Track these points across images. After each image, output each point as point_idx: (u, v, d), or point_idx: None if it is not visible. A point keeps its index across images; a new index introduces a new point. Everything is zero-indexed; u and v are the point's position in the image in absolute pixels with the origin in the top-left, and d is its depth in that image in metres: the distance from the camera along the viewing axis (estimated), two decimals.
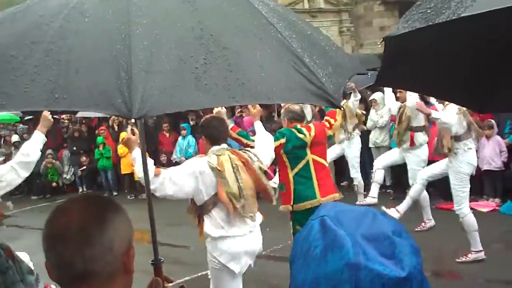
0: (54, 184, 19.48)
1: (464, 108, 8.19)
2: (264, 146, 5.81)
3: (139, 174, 4.92)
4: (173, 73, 1.98)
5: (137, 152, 5.04)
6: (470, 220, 8.43)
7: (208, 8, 2.35)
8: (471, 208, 11.25)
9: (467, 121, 8.35)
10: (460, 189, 8.45)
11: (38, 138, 5.26)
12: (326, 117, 7.68)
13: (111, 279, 1.71)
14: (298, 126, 7.01)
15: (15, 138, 20.68)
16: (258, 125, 6.10)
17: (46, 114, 5.32)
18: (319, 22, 27.11)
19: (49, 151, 19.41)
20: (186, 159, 13.56)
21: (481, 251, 8.42)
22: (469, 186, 8.57)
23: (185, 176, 5.05)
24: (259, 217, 5.46)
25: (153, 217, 3.04)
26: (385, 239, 1.34)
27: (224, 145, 5.36)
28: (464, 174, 8.43)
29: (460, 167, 8.40)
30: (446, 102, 8.20)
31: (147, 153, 3.68)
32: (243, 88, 2.07)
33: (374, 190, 10.87)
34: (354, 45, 31.68)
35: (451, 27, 2.06)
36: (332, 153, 11.99)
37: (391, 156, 10.86)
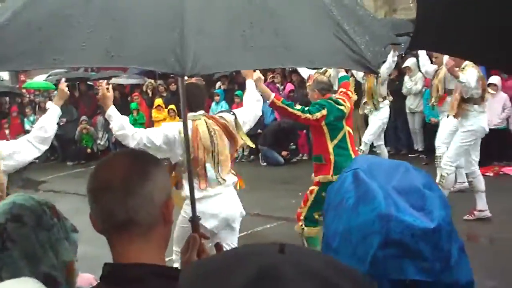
0: (88, 150, 19.68)
1: (481, 73, 8.44)
2: (250, 106, 5.85)
3: (117, 131, 5.14)
4: (223, 35, 2.05)
5: (112, 110, 5.17)
6: (479, 180, 8.64)
7: None
8: (504, 173, 11.29)
9: (482, 86, 8.50)
10: (462, 147, 8.61)
11: (54, 112, 5.34)
12: (341, 89, 7.42)
13: (151, 228, 1.80)
14: (333, 97, 6.95)
15: (49, 104, 20.88)
16: (250, 84, 6.03)
17: (62, 86, 5.44)
18: None
19: (84, 117, 19.66)
20: None
21: (485, 210, 8.60)
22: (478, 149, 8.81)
23: (160, 138, 5.20)
24: (231, 179, 5.60)
25: (191, 176, 3.10)
26: (416, 192, 1.38)
27: (200, 112, 5.48)
28: (474, 134, 8.57)
29: (472, 127, 8.54)
30: (466, 64, 8.30)
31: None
32: (288, 52, 2.14)
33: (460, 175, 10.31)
34: (387, 10, 31.20)
35: None
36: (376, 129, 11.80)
37: (444, 132, 10.47)
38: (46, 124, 5.19)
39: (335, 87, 7.82)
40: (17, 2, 2.16)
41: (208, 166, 5.38)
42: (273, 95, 6.71)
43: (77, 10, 2.04)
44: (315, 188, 6.90)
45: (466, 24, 2.46)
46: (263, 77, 6.45)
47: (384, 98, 11.59)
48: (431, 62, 10.25)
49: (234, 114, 5.60)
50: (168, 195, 1.87)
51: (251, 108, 5.84)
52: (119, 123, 5.14)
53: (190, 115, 5.35)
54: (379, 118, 11.55)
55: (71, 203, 12.78)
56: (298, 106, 6.88)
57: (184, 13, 1.99)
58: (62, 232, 2.15)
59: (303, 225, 6.95)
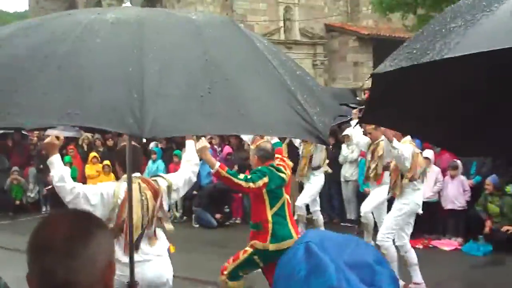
0: (17, 202, 19.15)
1: (417, 149, 8.64)
2: (186, 171, 5.75)
3: (56, 181, 4.96)
4: (181, 98, 2.06)
5: (56, 158, 5.06)
6: (411, 254, 8.73)
7: (214, 39, 2.43)
8: (433, 246, 11.52)
9: (418, 162, 8.65)
10: (405, 224, 8.73)
11: (58, 161, 5.12)
12: (277, 155, 7.33)
13: None
14: (274, 164, 6.92)
15: None
16: (190, 145, 5.94)
17: (53, 140, 5.20)
18: (294, 54, 27.30)
19: (15, 167, 19.19)
20: None
21: (422, 283, 8.66)
22: (413, 223, 8.86)
23: (97, 195, 5.10)
24: (161, 245, 5.52)
25: (132, 240, 3.06)
26: (367, 267, 1.40)
27: (136, 174, 5.39)
28: (410, 211, 8.69)
29: (407, 204, 8.65)
30: (404, 140, 8.49)
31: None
32: (244, 119, 2.15)
33: (369, 234, 10.78)
34: (327, 78, 31.96)
35: (436, 68, 2.14)
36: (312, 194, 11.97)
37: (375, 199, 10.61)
38: (64, 174, 5.00)
39: None
40: None
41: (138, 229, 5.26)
42: (217, 164, 6.66)
43: (34, 64, 2.03)
44: (249, 249, 6.83)
45: (419, 106, 2.55)
46: (209, 145, 6.44)
47: (318, 167, 11.79)
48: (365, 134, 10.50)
49: (167, 181, 5.48)
50: (110, 258, 1.83)
51: (186, 173, 5.72)
52: (60, 174, 4.98)
53: (124, 176, 5.25)
54: (314, 184, 11.71)
55: None
56: (242, 175, 6.83)
57: (143, 74, 2.01)
58: None
59: (227, 280, 6.89)
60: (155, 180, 5.46)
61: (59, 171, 5.00)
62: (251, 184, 6.60)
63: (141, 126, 1.85)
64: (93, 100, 1.96)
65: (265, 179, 6.64)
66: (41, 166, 18.75)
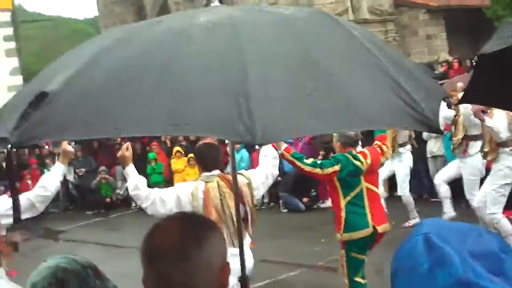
0: (108, 199, 19.73)
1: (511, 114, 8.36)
2: (265, 167, 5.70)
3: (131, 190, 5.17)
4: (287, 99, 2.01)
5: (131, 169, 5.20)
6: (505, 224, 8.51)
7: (311, 34, 2.37)
8: None
9: None
10: (497, 193, 8.51)
11: (58, 171, 5.33)
12: (376, 142, 7.21)
13: None
14: (353, 152, 6.68)
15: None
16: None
17: (65, 146, 5.40)
18: None
19: (102, 167, 19.75)
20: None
21: None
22: (508, 193, 8.61)
23: (173, 198, 5.18)
24: (246, 241, 5.40)
25: (241, 234, 3.05)
26: (492, 256, 1.34)
27: (215, 172, 5.39)
28: (505, 178, 8.48)
29: (504, 171, 8.46)
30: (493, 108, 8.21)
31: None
32: (351, 114, 2.10)
33: (447, 205, 10.77)
34: (403, 54, 31.32)
35: None
36: (385, 171, 11.65)
37: (451, 169, 10.69)
38: (47, 183, 5.16)
39: None
40: (68, 67, 2.14)
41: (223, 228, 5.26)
42: (284, 146, 6.53)
43: (132, 77, 2.02)
44: (342, 252, 6.64)
45: None
46: None
47: (405, 144, 11.57)
48: (450, 107, 10.29)
49: (247, 178, 5.41)
50: (224, 260, 1.83)
51: (267, 168, 5.69)
52: (135, 184, 5.16)
53: (204, 175, 5.39)
54: (404, 164, 11.54)
55: (91, 252, 12.82)
56: (309, 160, 6.61)
57: (247, 78, 1.96)
58: None
59: None
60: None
61: (133, 181, 5.17)
62: (317, 170, 6.45)
63: (252, 132, 1.81)
64: (199, 109, 1.93)
65: (336, 167, 6.44)
66: None
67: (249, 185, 5.38)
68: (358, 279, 6.58)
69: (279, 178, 15.49)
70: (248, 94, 1.91)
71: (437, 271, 1.33)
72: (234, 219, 5.20)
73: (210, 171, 5.41)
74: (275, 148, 6.08)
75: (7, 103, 2.43)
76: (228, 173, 5.62)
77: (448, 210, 10.69)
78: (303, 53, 2.21)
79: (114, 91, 1.99)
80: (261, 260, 10.00)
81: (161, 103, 1.93)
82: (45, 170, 20.01)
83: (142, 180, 5.26)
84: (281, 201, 15.93)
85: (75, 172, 20.64)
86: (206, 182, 5.30)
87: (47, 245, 14.74)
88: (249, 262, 5.51)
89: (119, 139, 20.17)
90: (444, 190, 10.76)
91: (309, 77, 2.11)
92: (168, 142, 19.11)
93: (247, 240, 5.48)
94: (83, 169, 20.47)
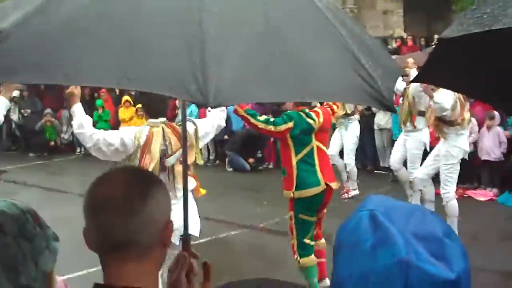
0: (52, 143, 19.48)
1: (459, 95, 8.44)
2: (213, 117, 5.81)
3: (76, 129, 5.22)
4: (243, 64, 1.97)
5: (78, 107, 5.25)
6: (454, 205, 8.74)
7: (275, 1, 2.33)
8: (468, 196, 11.45)
9: (460, 107, 8.59)
10: (449, 173, 8.71)
11: (1, 103, 5.43)
12: (328, 102, 7.18)
13: (149, 250, 1.74)
14: (306, 110, 6.67)
15: (15, 94, 20.65)
16: None
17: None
18: None
19: (48, 110, 19.46)
20: None
21: None
22: (458, 171, 8.83)
23: (117, 139, 5.23)
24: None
25: (187, 188, 3.01)
26: (435, 240, 1.34)
27: (161, 119, 5.49)
28: (454, 158, 8.66)
29: (452, 151, 8.64)
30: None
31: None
32: (308, 85, 2.07)
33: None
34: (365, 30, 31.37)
35: (509, 36, 2.06)
36: (336, 143, 11.78)
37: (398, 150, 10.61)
38: None
39: None
40: (22, 6, 2.04)
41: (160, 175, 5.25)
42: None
43: (91, 23, 1.94)
44: (291, 213, 6.67)
45: (482, 71, 2.49)
46: None
47: (352, 113, 11.64)
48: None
49: (195, 125, 5.50)
50: (168, 217, 1.82)
51: (214, 119, 5.78)
52: (80, 122, 5.19)
53: (150, 121, 5.45)
54: (350, 135, 11.63)
55: (32, 195, 12.68)
56: (262, 117, 6.64)
57: (204, 39, 1.92)
58: (43, 242, 2.08)
59: (298, 258, 6.68)
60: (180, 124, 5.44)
61: (79, 119, 5.20)
62: (270, 127, 6.47)
63: (204, 93, 1.78)
64: (153, 64, 1.88)
65: (290, 124, 6.46)
66: None
67: (196, 131, 5.45)
68: (307, 240, 6.66)
69: (226, 137, 15.59)
70: (204, 55, 1.87)
71: (379, 250, 1.33)
72: (176, 167, 5.29)
73: (156, 118, 5.45)
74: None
75: None
76: (178, 124, 5.62)
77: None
78: (265, 19, 2.16)
79: (68, 37, 1.92)
80: (204, 217, 10.06)
81: (115, 54, 1.88)
82: None
83: (88, 120, 5.27)
84: (227, 159, 15.95)
85: (19, 112, 20.27)
86: (151, 127, 5.34)
87: None
88: (196, 220, 5.55)
89: None
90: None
91: (267, 44, 2.07)
92: (117, 91, 18.87)
93: (190, 185, 5.50)
94: (28, 110, 20.11)
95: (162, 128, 5.35)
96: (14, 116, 20.51)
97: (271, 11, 2.22)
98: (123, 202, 1.69)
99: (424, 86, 8.52)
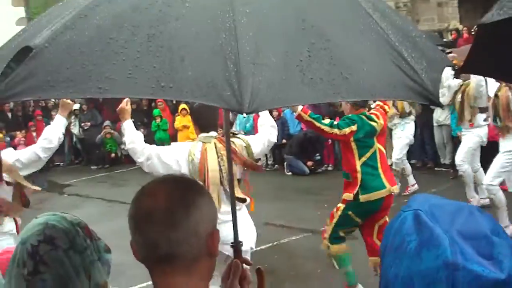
0: (112, 155, 19.78)
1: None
2: (263, 134, 5.68)
3: (128, 144, 5.25)
4: (279, 66, 1.91)
5: (128, 123, 5.31)
6: (501, 197, 8.60)
7: None
8: None
9: None
10: (504, 165, 8.64)
11: (59, 122, 5.50)
12: (378, 103, 7.14)
13: (195, 261, 1.72)
14: (367, 113, 6.66)
15: (75, 107, 21.12)
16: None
17: (65, 100, 5.50)
18: None
19: (107, 122, 19.76)
20: (245, 133, 13.63)
21: (507, 225, 8.55)
22: None
23: (171, 157, 5.19)
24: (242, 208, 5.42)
25: (233, 196, 2.99)
26: (483, 238, 1.28)
27: (212, 133, 5.40)
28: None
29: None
30: None
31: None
32: (347, 83, 1.98)
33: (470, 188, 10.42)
34: (411, 21, 30.96)
35: None
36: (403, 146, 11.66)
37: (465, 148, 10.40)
38: (51, 135, 5.36)
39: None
40: (54, 21, 2.05)
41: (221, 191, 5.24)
42: (300, 107, 6.50)
43: (122, 34, 1.92)
44: (341, 205, 6.66)
45: None
46: None
47: (409, 113, 11.49)
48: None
49: (246, 144, 5.40)
50: (213, 226, 1.79)
51: (264, 136, 5.65)
52: (131, 138, 5.23)
53: (201, 136, 5.38)
54: (405, 134, 11.47)
55: (95, 207, 12.95)
56: (327, 120, 6.64)
57: (238, 42, 1.87)
58: (95, 254, 2.10)
59: (328, 243, 6.71)
60: (233, 141, 5.39)
61: (130, 135, 5.24)
62: (335, 130, 6.45)
63: (239, 100, 1.72)
64: (186, 72, 1.83)
65: (353, 128, 6.43)
66: (132, 120, 19.19)
67: (248, 148, 5.37)
68: (341, 233, 6.68)
69: (284, 141, 15.58)
70: (238, 59, 1.82)
71: (424, 252, 1.29)
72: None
73: (207, 132, 5.41)
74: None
75: None
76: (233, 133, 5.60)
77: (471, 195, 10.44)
78: (300, 16, 2.09)
79: (100, 49, 1.89)
80: (264, 223, 10.09)
81: (147, 64, 1.84)
82: (51, 123, 20.13)
83: (139, 135, 5.30)
84: (285, 163, 15.93)
85: (80, 126, 20.68)
86: (203, 142, 5.30)
87: (51, 198, 14.85)
88: (252, 232, 5.50)
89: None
90: (468, 174, 10.29)
91: (304, 42, 2.00)
92: (174, 100, 19.08)
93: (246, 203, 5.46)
94: (88, 123, 20.50)
95: (214, 143, 5.29)
96: (75, 130, 20.94)
97: (306, 7, 2.16)
98: (166, 214, 1.68)
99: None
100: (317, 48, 1.99)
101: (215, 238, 1.77)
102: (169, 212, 1.69)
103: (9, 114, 21.82)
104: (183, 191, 1.76)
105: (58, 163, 21.15)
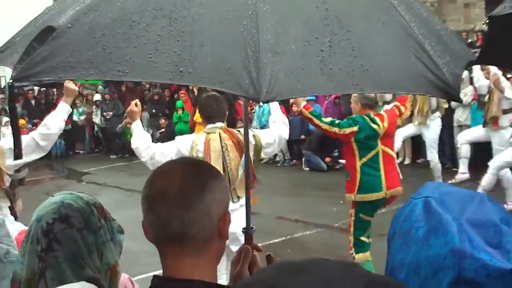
0: None
1: None
2: (274, 129, 5.65)
3: (133, 144, 5.34)
4: (299, 55, 1.90)
5: (137, 124, 5.43)
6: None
7: None
8: None
9: None
10: None
11: (62, 109, 5.33)
12: (396, 103, 7.18)
13: (206, 243, 1.73)
14: (371, 114, 6.63)
15: (97, 97, 21.26)
16: (273, 105, 5.82)
17: (69, 84, 5.39)
18: None
19: None
20: (261, 127, 13.64)
21: None
22: None
23: (173, 150, 5.24)
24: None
25: (248, 185, 3.00)
26: (492, 227, 1.27)
27: (219, 124, 5.40)
28: None
29: None
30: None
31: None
32: (367, 75, 1.98)
33: (464, 166, 10.98)
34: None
35: None
36: (407, 131, 11.78)
37: (475, 132, 10.74)
38: (50, 121, 5.19)
39: None
40: (79, 1, 2.05)
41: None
42: (303, 104, 6.55)
43: (144, 18, 1.93)
44: (352, 210, 6.69)
45: None
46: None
47: (435, 111, 11.48)
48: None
49: (254, 135, 5.35)
50: (225, 209, 1.79)
51: (275, 130, 5.62)
52: (137, 138, 5.33)
53: (207, 127, 5.39)
54: (432, 131, 11.49)
55: (112, 196, 13.01)
56: (327, 119, 6.63)
57: (258, 29, 1.86)
58: (108, 234, 2.12)
59: (353, 253, 6.68)
60: (239, 131, 5.42)
61: (137, 136, 5.35)
62: (335, 129, 6.46)
63: (257, 88, 1.73)
64: (206, 58, 1.84)
65: (354, 128, 6.45)
66: (154, 110, 19.31)
67: (255, 136, 5.36)
68: (363, 238, 6.67)
69: (303, 137, 15.57)
70: (258, 46, 1.81)
71: (432, 239, 1.29)
72: (234, 173, 5.24)
73: (213, 123, 5.41)
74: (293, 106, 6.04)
75: (21, 30, 2.37)
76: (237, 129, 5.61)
77: (463, 170, 10.95)
78: (323, 5, 2.07)
79: (122, 32, 1.91)
80: (278, 216, 10.11)
81: (167, 49, 1.85)
82: (75, 111, 20.29)
83: (146, 136, 5.40)
84: (303, 159, 15.93)
85: (101, 115, 20.81)
86: (208, 133, 5.33)
87: (69, 185, 14.99)
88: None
89: (147, 85, 20.22)
90: (464, 150, 10.90)
91: (326, 32, 1.99)
92: (196, 91, 19.11)
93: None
94: (110, 113, 20.61)
95: (219, 133, 5.30)
96: (97, 119, 21.08)
97: None
98: (180, 194, 1.69)
99: (495, 80, 8.36)
100: (338, 38, 1.98)
101: (226, 220, 1.78)
102: (183, 192, 1.69)
103: (33, 102, 22.03)
104: (198, 172, 1.77)
105: (78, 151, 21.31)
